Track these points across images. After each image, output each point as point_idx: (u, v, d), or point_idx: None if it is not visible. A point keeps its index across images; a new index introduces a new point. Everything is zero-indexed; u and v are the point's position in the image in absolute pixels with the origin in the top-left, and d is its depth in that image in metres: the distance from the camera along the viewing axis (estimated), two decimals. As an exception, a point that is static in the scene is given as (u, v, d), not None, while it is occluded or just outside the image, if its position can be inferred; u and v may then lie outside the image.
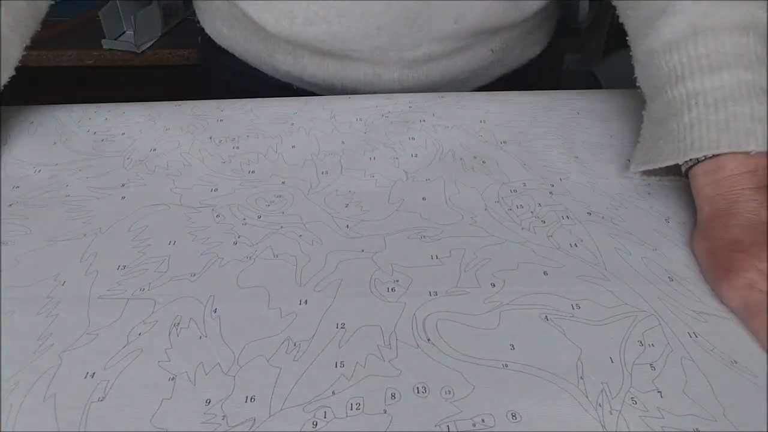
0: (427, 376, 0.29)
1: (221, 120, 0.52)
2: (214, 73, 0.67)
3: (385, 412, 0.28)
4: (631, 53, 0.44)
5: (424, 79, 0.57)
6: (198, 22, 0.66)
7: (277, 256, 0.37)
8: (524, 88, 0.56)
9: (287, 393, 0.29)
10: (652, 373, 0.29)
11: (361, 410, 0.28)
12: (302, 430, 0.27)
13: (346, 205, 0.42)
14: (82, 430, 0.27)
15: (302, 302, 0.34)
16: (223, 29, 0.60)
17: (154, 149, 0.48)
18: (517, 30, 0.57)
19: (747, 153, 0.35)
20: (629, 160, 0.44)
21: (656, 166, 0.40)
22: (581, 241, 0.38)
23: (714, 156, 0.36)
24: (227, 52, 0.62)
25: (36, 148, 0.48)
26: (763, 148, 0.35)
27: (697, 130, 0.37)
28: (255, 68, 0.61)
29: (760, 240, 0.33)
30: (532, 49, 0.62)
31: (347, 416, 0.28)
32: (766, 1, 0.38)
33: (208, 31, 0.63)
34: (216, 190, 0.43)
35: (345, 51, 0.54)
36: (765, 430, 0.27)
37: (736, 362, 0.30)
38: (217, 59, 0.64)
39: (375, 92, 0.57)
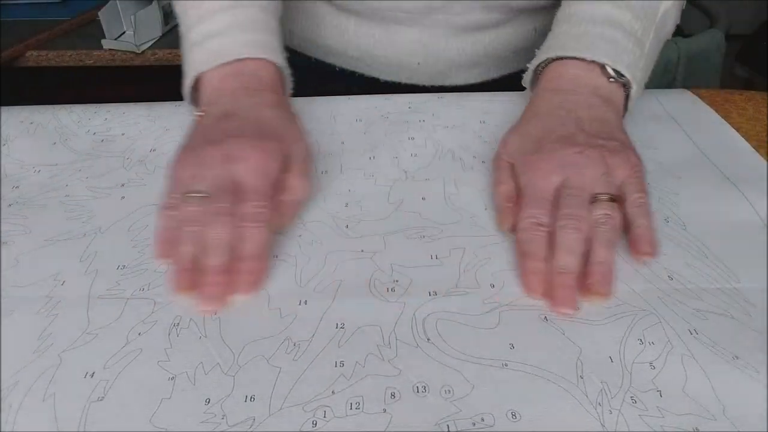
0: (427, 376, 0.29)
1: (221, 120, 0.52)
2: None
3: (384, 411, 0.28)
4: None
5: (469, 51, 0.57)
6: None
7: (276, 257, 0.37)
8: None
9: (287, 392, 0.29)
10: (651, 372, 0.29)
11: (360, 409, 0.28)
12: (302, 429, 0.27)
13: (346, 205, 0.42)
14: (81, 429, 0.27)
15: (302, 302, 0.34)
16: None
17: (154, 149, 0.48)
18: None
19: (573, 59, 0.42)
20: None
21: (533, 66, 0.46)
22: (581, 240, 0.38)
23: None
24: None
25: (36, 148, 0.48)
26: (602, 59, 0.42)
27: (562, 38, 0.44)
28: (297, 53, 0.61)
29: (520, 126, 0.42)
30: None
31: (347, 415, 0.28)
32: None
33: None
34: (216, 190, 0.43)
35: (394, 11, 0.53)
36: (765, 428, 0.27)
37: (736, 358, 0.30)
38: None
39: (419, 64, 0.57)
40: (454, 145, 0.48)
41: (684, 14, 0.52)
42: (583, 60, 0.42)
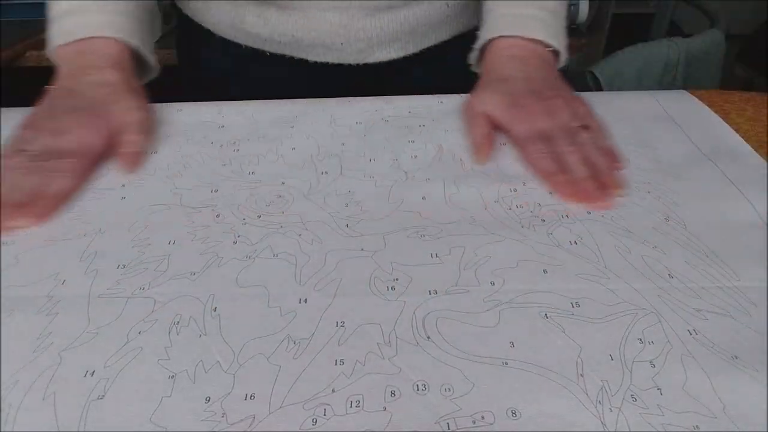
0: (427, 374, 0.29)
1: (222, 124, 0.52)
2: (190, 52, 0.72)
3: (384, 409, 0.28)
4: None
5: (387, 29, 0.61)
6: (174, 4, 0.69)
7: (276, 256, 0.37)
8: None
9: (287, 391, 0.29)
10: (651, 371, 0.29)
11: (360, 408, 0.28)
12: (302, 427, 0.27)
13: (346, 205, 0.42)
14: (81, 428, 0.27)
15: (302, 301, 0.34)
16: (198, 3, 0.63)
17: (155, 151, 0.48)
18: None
19: (515, 37, 0.53)
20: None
21: (480, 45, 0.55)
22: (581, 239, 0.38)
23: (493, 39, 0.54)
24: (202, 27, 0.65)
25: (36, 149, 0.48)
26: (538, 36, 0.53)
27: (502, 21, 0.55)
28: (228, 40, 0.64)
29: (491, 87, 0.51)
30: None
31: (347, 413, 0.28)
32: None
33: (184, 8, 0.67)
34: (216, 191, 0.43)
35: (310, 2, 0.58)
36: (765, 427, 0.27)
37: (736, 357, 0.30)
38: (193, 37, 0.67)
39: (341, 44, 0.60)
40: (454, 146, 0.48)
41: (684, 14, 0.54)
42: (523, 38, 0.53)
